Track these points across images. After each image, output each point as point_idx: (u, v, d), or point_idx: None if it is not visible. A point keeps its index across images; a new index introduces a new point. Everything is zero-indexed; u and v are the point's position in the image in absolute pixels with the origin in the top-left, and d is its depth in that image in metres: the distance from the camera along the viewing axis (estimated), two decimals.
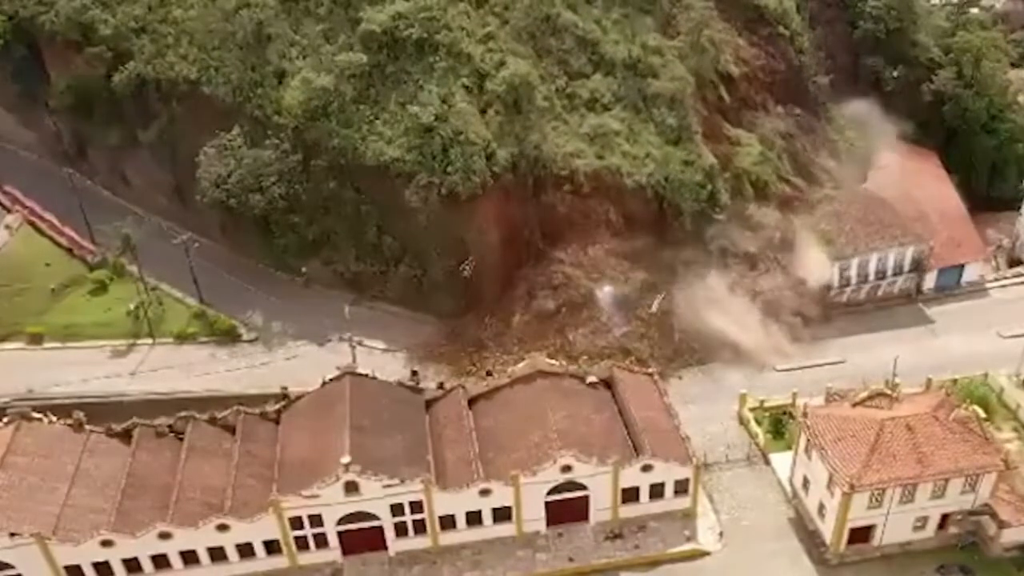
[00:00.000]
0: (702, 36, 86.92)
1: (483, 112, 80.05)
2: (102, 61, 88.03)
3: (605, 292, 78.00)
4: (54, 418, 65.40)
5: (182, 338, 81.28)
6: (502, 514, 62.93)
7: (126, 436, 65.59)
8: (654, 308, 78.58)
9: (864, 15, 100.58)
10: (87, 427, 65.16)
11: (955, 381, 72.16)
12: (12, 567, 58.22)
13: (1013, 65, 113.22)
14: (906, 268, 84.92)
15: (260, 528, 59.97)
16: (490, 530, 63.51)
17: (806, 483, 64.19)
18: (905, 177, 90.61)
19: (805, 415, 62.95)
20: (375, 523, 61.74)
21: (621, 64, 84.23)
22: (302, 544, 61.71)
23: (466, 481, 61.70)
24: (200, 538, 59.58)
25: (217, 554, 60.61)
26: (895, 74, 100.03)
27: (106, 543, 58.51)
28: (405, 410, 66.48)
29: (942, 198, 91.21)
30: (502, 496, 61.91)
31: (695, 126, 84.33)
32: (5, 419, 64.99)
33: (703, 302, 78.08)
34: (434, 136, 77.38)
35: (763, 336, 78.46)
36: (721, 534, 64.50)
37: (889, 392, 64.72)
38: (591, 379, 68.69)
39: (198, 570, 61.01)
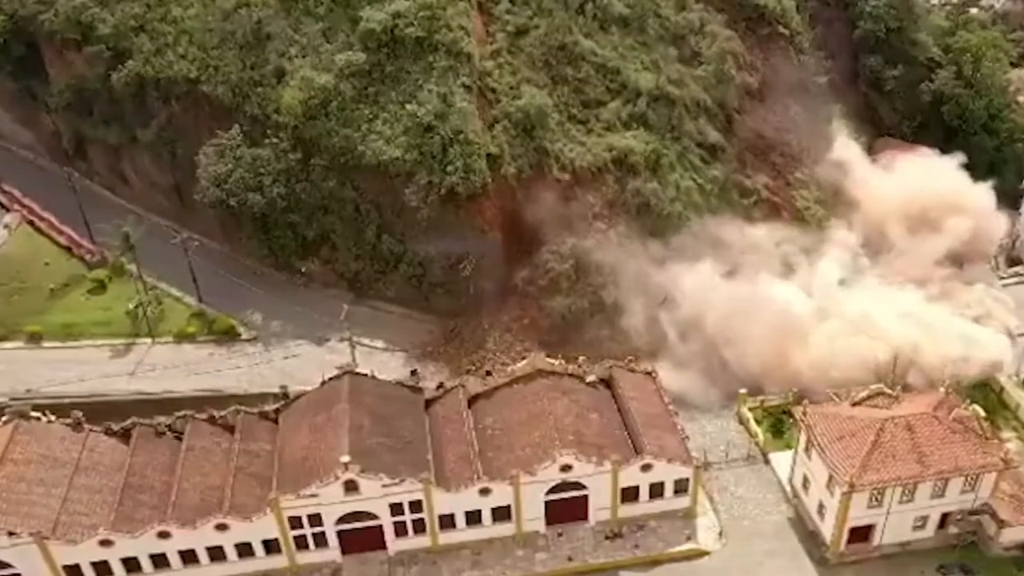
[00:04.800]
0: (726, 64, 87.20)
1: (490, 127, 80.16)
2: (101, 60, 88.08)
3: None
4: (53, 417, 65.16)
5: (181, 337, 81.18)
6: (502, 513, 62.81)
7: (125, 435, 65.38)
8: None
9: (864, 15, 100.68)
10: (86, 426, 64.90)
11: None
12: (11, 566, 58.07)
13: (1013, 65, 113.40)
14: None
15: (259, 527, 59.82)
16: (490, 529, 63.40)
17: (806, 483, 64.13)
18: None
19: (805, 414, 62.87)
20: (374, 522, 61.60)
21: (647, 94, 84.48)
22: (301, 543, 61.55)
23: (466, 480, 61.59)
24: (199, 538, 59.39)
25: (216, 554, 60.42)
26: (895, 74, 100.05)
27: (105, 543, 58.33)
28: (405, 409, 66.36)
29: None
30: (502, 495, 61.80)
31: (724, 156, 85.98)
32: (4, 418, 64.79)
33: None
34: (433, 135, 77.36)
35: None
36: (721, 533, 64.41)
37: (889, 391, 64.69)
38: (591, 378, 68.56)
39: (197, 569, 60.82)
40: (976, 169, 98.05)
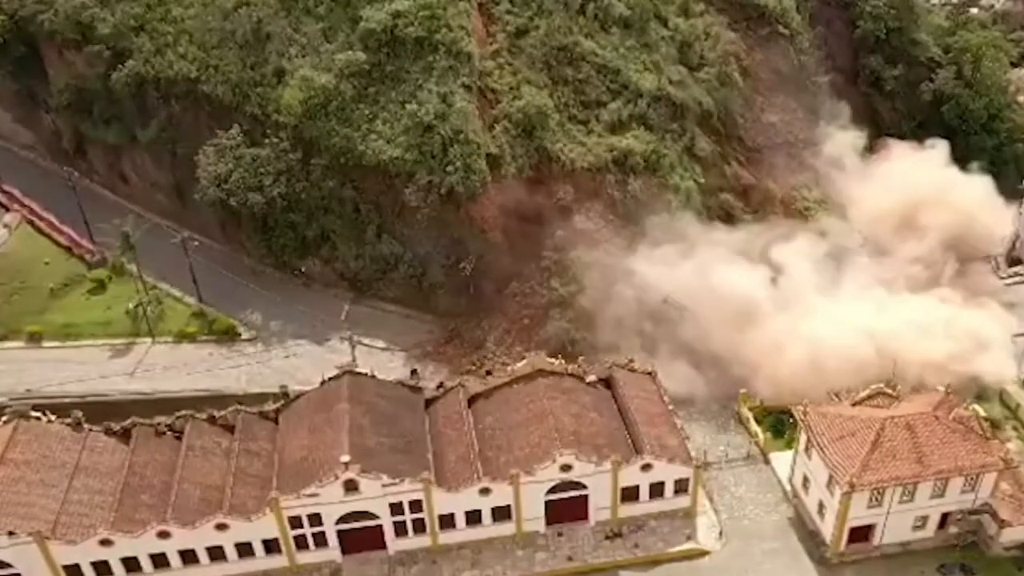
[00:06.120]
0: (729, 67, 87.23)
1: (491, 128, 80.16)
2: (101, 60, 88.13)
3: None
4: (53, 417, 65.21)
5: (181, 337, 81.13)
6: (502, 513, 62.80)
7: (125, 435, 65.38)
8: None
9: (864, 14, 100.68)
10: (86, 426, 64.95)
11: None
12: (10, 566, 58.09)
13: (1013, 65, 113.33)
14: None
15: (259, 527, 59.82)
16: (490, 529, 63.39)
17: (806, 482, 64.12)
18: None
19: (805, 414, 62.85)
20: (374, 522, 61.60)
21: (647, 95, 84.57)
22: (301, 543, 61.55)
23: (466, 480, 61.59)
24: (199, 537, 59.40)
25: (216, 553, 60.41)
26: (895, 73, 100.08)
27: (105, 542, 58.33)
28: (404, 409, 66.36)
29: None
30: (502, 495, 61.78)
31: (725, 157, 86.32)
32: (4, 418, 64.83)
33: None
34: (434, 135, 77.36)
35: None
36: (721, 533, 64.39)
37: (889, 391, 64.68)
38: (591, 378, 68.57)
39: (197, 569, 60.82)
40: (976, 169, 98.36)
